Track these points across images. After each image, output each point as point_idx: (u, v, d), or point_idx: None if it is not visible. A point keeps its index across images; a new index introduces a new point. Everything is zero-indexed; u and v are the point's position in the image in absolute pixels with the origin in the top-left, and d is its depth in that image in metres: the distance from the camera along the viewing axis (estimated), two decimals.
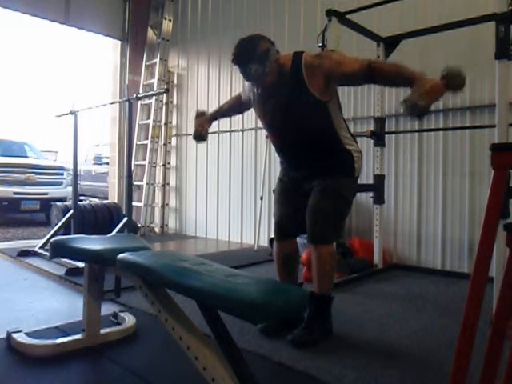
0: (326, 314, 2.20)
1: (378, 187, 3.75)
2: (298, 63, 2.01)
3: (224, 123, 5.50)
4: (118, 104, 6.12)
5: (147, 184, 5.92)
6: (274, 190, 2.41)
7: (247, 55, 1.97)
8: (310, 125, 2.08)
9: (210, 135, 6.31)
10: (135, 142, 6.03)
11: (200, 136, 2.51)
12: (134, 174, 5.76)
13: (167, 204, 6.27)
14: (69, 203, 5.40)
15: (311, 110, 2.05)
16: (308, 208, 2.15)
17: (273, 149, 2.49)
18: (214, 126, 5.60)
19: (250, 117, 4.96)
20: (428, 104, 1.78)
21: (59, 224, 4.34)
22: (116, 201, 6.24)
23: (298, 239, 2.39)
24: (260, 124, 2.81)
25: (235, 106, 2.54)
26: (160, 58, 6.05)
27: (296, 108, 2.06)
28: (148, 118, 6.12)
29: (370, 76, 1.94)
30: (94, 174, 10.66)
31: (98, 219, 5.20)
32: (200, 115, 2.54)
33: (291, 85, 2.02)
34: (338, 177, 2.15)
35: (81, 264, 3.15)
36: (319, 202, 2.11)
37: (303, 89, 2.00)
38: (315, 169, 2.16)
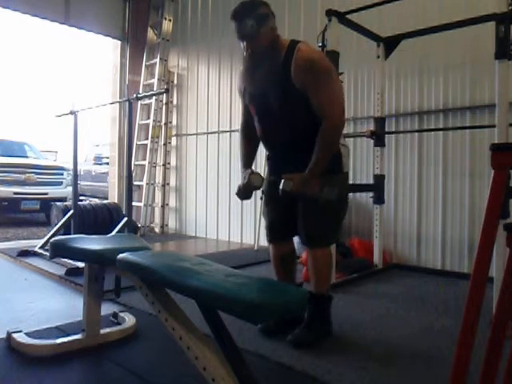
0: (325, 314, 2.19)
1: (378, 187, 3.75)
2: (291, 53, 1.99)
3: (224, 123, 5.51)
4: (117, 104, 6.13)
5: (147, 184, 5.92)
6: (263, 191, 2.31)
7: (246, 11, 1.98)
8: (293, 112, 2.05)
9: (209, 135, 6.32)
10: (135, 142, 6.03)
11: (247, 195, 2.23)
12: (134, 174, 5.76)
13: (167, 204, 6.27)
14: (69, 203, 5.40)
15: (294, 97, 2.01)
16: (299, 210, 2.11)
17: None
18: (214, 126, 5.67)
19: None
20: (295, 190, 1.93)
21: (59, 224, 4.34)
22: (116, 201, 6.24)
23: (295, 238, 2.31)
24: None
25: (248, 133, 2.30)
26: (160, 58, 6.05)
27: (280, 93, 2.02)
28: (148, 118, 6.12)
29: (320, 123, 1.97)
30: (93, 173, 10.65)
31: (98, 219, 5.20)
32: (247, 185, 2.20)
33: (280, 70, 2.00)
34: (329, 174, 2.04)
35: (81, 264, 3.15)
36: (310, 203, 2.06)
37: (288, 77, 1.98)
38: (301, 164, 2.01)
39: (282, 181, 1.94)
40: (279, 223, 2.25)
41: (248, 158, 2.31)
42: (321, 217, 2.08)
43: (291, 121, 2.06)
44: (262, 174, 2.26)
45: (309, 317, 2.14)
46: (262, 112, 2.13)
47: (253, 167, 2.28)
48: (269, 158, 2.32)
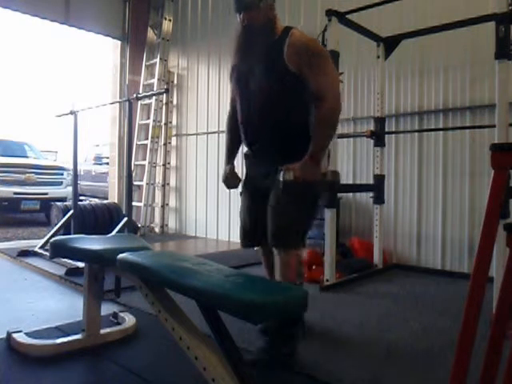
0: (297, 321, 1.98)
1: (378, 187, 3.75)
2: (285, 35, 1.93)
3: (224, 123, 5.49)
4: (117, 104, 6.12)
5: (147, 184, 5.92)
6: (240, 193, 2.21)
7: None
8: (279, 95, 1.93)
9: (210, 135, 6.32)
10: (135, 142, 6.03)
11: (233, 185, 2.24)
12: (134, 174, 5.76)
13: (167, 204, 6.27)
14: (69, 203, 5.40)
15: (283, 79, 1.91)
16: (268, 209, 1.96)
17: None
18: (214, 126, 5.66)
19: None
20: (298, 178, 1.81)
21: (59, 224, 4.34)
22: (116, 201, 6.24)
23: None
24: None
25: (234, 124, 2.23)
26: (160, 58, 6.05)
27: (269, 73, 1.93)
28: (148, 118, 6.12)
29: (316, 105, 1.87)
30: (93, 173, 10.66)
31: (98, 219, 5.20)
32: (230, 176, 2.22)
33: (272, 50, 1.92)
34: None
35: (81, 264, 3.15)
36: (279, 202, 1.92)
37: (280, 58, 1.89)
38: (275, 156, 1.96)
39: (281, 172, 1.82)
40: (253, 226, 2.10)
41: (231, 152, 2.26)
42: (290, 214, 1.91)
43: (276, 105, 1.94)
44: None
45: (274, 329, 1.94)
46: (247, 93, 2.00)
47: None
48: (247, 157, 2.18)
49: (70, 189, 6.38)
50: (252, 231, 2.13)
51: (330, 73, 1.92)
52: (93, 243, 1.94)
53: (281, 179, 1.82)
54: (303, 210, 1.96)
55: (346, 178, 4.27)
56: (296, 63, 1.88)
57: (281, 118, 1.96)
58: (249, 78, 2.00)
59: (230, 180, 2.20)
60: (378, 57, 3.67)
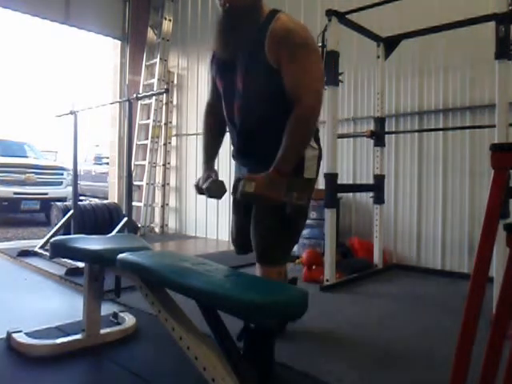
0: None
1: (378, 187, 3.75)
2: (269, 21, 1.63)
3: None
4: (117, 104, 6.12)
5: (147, 184, 5.92)
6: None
7: None
8: (261, 96, 1.69)
9: None
10: (135, 142, 6.03)
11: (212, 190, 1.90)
12: (134, 174, 5.76)
13: (167, 204, 6.26)
14: (69, 203, 5.40)
15: (266, 74, 1.64)
16: (251, 219, 1.76)
17: None
18: None
19: None
20: (258, 192, 1.54)
21: (59, 224, 4.34)
22: (116, 201, 6.24)
23: None
24: None
25: (212, 117, 2.00)
26: (160, 58, 6.05)
27: (251, 65, 1.67)
28: (148, 118, 6.11)
29: (292, 107, 1.58)
30: (93, 174, 10.66)
31: (98, 219, 5.20)
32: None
33: (254, 40, 1.64)
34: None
35: (81, 264, 3.14)
36: (260, 213, 1.72)
37: (262, 50, 1.62)
38: (260, 159, 1.71)
39: (241, 182, 1.57)
40: (240, 231, 1.94)
41: (210, 150, 1.98)
42: (275, 229, 1.70)
43: (259, 102, 1.70)
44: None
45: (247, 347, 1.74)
46: (230, 84, 1.75)
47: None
48: (234, 158, 1.98)
49: (69, 189, 6.37)
50: (239, 240, 1.97)
51: (311, 69, 1.60)
52: (93, 243, 1.94)
53: (239, 189, 1.56)
54: (287, 220, 1.69)
55: (346, 178, 4.27)
56: (275, 55, 1.60)
57: (263, 122, 1.72)
58: (229, 70, 1.75)
59: (213, 189, 1.85)
60: (378, 57, 3.67)
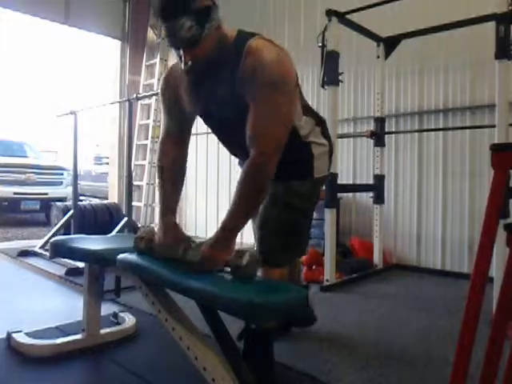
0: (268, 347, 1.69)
1: (378, 187, 3.75)
2: (239, 55, 1.44)
3: None
4: (118, 104, 6.11)
5: (147, 184, 5.92)
6: None
7: (180, 5, 1.36)
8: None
9: (209, 135, 6.30)
10: (135, 141, 6.03)
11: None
12: (134, 174, 5.75)
13: None
14: (69, 203, 5.39)
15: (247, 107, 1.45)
16: (256, 223, 1.72)
17: None
18: None
19: None
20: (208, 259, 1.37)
21: (59, 224, 4.34)
22: (116, 201, 6.24)
23: None
24: None
25: (171, 162, 1.77)
26: (160, 58, 6.05)
27: (236, 111, 1.48)
28: (148, 118, 6.11)
29: (249, 151, 1.42)
30: (93, 174, 10.66)
31: (98, 219, 5.20)
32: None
33: (230, 80, 1.47)
34: (291, 180, 1.65)
35: (81, 264, 3.14)
36: (266, 216, 1.65)
37: (235, 93, 1.46)
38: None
39: (189, 252, 1.40)
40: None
41: (168, 200, 1.63)
42: (278, 231, 1.65)
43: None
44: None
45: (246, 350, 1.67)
46: (218, 127, 1.71)
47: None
48: (240, 164, 1.92)
49: (69, 189, 6.37)
50: None
51: (274, 112, 1.39)
52: (93, 243, 1.94)
53: (187, 259, 1.39)
54: (292, 223, 1.67)
55: (346, 178, 4.27)
56: (243, 91, 1.43)
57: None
58: (218, 121, 1.69)
59: (168, 240, 1.53)
60: (378, 57, 3.67)
